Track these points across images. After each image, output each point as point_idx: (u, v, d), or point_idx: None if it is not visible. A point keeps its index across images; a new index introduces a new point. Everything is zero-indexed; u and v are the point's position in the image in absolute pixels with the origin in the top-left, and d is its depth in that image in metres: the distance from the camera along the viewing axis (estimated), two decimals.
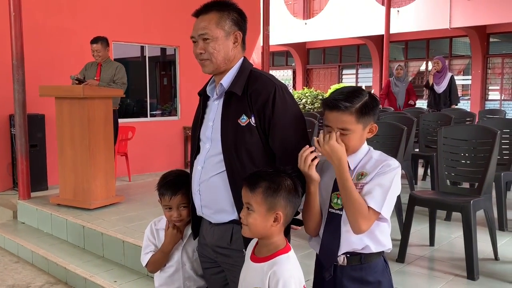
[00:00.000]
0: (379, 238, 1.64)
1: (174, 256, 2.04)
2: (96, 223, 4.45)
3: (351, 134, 1.62)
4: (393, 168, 1.59)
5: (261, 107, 1.71)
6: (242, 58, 1.86)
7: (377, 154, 1.68)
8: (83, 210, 4.86)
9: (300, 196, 1.59)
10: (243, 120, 1.73)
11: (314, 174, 1.62)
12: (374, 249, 1.65)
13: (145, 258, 2.05)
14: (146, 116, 7.76)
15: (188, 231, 2.05)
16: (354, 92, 1.64)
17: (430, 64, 13.64)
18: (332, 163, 1.61)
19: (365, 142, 1.70)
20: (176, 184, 1.96)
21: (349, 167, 1.64)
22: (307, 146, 1.64)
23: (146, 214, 4.48)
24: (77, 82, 5.26)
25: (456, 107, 7.50)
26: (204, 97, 1.92)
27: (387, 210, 1.57)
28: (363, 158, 1.68)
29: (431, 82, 7.58)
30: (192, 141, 1.95)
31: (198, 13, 1.80)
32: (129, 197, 5.39)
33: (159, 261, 2.03)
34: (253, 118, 1.72)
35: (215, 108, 1.84)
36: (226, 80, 1.80)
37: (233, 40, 1.79)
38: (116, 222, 4.44)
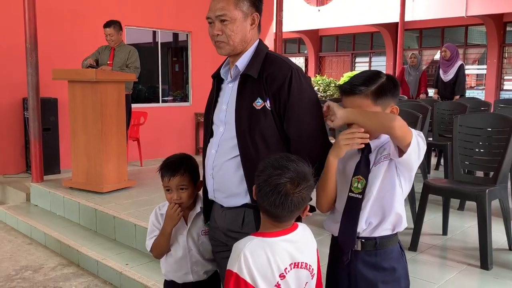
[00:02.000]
0: (397, 208, 1.62)
1: (179, 241, 2.03)
2: (108, 206, 4.46)
3: None
4: (418, 132, 1.61)
5: (277, 90, 1.70)
6: (258, 40, 1.84)
7: None
8: (95, 193, 4.88)
9: (313, 185, 1.56)
10: (258, 103, 1.71)
11: (342, 154, 1.63)
12: (390, 223, 1.63)
13: (149, 243, 2.05)
14: (158, 102, 7.77)
15: (193, 215, 2.04)
16: (370, 76, 1.65)
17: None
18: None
19: None
20: (175, 165, 1.97)
21: (370, 150, 1.65)
22: (360, 128, 1.61)
23: (158, 199, 4.35)
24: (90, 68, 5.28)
25: (459, 98, 7.29)
26: (218, 80, 1.90)
27: (415, 147, 1.54)
28: (385, 143, 1.67)
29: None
30: (205, 124, 1.93)
31: None
32: (141, 182, 5.39)
33: (160, 245, 2.02)
34: (268, 101, 1.71)
35: (229, 91, 1.83)
36: (242, 62, 1.78)
37: (251, 22, 1.77)
38: (128, 206, 4.45)
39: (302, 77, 1.74)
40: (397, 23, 11.74)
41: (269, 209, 1.48)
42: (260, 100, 1.71)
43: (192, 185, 2.00)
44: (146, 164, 6.76)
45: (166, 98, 8.00)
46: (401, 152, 1.57)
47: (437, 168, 6.17)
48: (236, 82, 1.80)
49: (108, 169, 4.93)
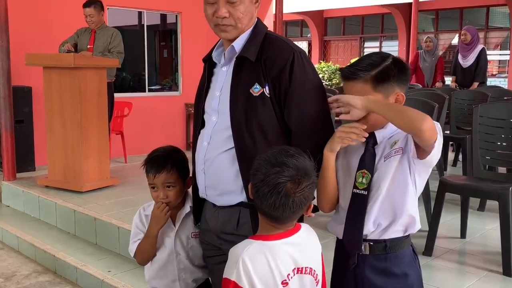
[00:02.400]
0: (409, 208, 1.61)
1: (166, 244, 2.01)
2: (89, 207, 4.46)
3: None
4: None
5: (277, 75, 1.69)
6: (257, 19, 1.84)
7: None
8: (74, 192, 4.88)
9: (315, 181, 1.55)
10: (256, 89, 1.71)
11: (337, 148, 1.65)
12: (401, 225, 1.62)
13: (133, 248, 2.03)
14: (144, 91, 7.74)
15: (181, 215, 2.03)
16: (374, 59, 1.65)
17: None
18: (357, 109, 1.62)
19: None
20: (161, 160, 1.96)
21: (375, 142, 1.65)
22: (363, 125, 1.61)
23: (143, 198, 4.25)
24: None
25: (477, 86, 7.30)
26: (210, 64, 1.89)
27: (438, 147, 1.55)
28: (394, 134, 1.66)
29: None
30: (196, 113, 1.92)
31: None
32: (125, 180, 5.39)
33: (145, 249, 2.00)
34: (267, 87, 1.71)
35: (223, 76, 1.82)
36: (238, 43, 1.77)
37: (255, 0, 1.78)
38: (110, 206, 4.45)
39: (305, 60, 1.74)
40: (411, 3, 11.80)
41: (269, 211, 1.48)
42: (258, 86, 1.71)
43: (181, 182, 1.99)
44: (131, 160, 6.75)
45: (153, 87, 7.97)
46: (420, 150, 1.56)
47: (454, 164, 6.18)
48: (231, 66, 1.79)
49: (88, 165, 4.92)
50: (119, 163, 6.61)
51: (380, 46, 17.18)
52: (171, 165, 1.95)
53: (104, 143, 5.08)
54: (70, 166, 4.92)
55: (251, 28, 1.80)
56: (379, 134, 1.66)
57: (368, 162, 1.65)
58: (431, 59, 8.04)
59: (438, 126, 1.56)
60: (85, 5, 5.57)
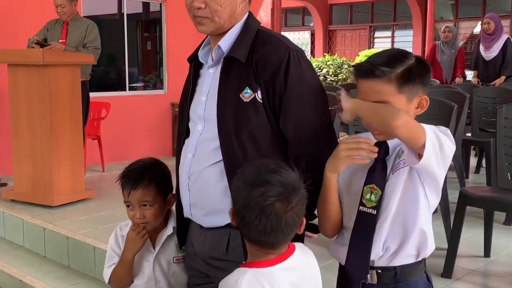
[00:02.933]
0: (422, 226, 1.61)
1: (144, 270, 2.01)
2: (60, 224, 4.42)
3: None
4: (443, 129, 1.62)
5: (271, 77, 1.71)
6: (247, 14, 1.85)
7: None
8: (43, 207, 4.85)
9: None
10: (247, 94, 1.73)
11: (341, 168, 1.64)
12: (413, 247, 1.62)
13: (107, 272, 2.03)
14: (125, 90, 7.69)
15: (162, 237, 2.03)
16: (396, 55, 1.65)
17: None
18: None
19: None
20: (138, 175, 1.97)
21: (387, 152, 1.66)
22: (368, 139, 1.62)
23: (123, 214, 4.17)
24: (38, 47, 5.22)
25: (504, 82, 7.33)
26: (195, 64, 1.91)
27: (432, 149, 1.54)
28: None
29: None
30: (180, 121, 1.94)
31: None
32: (102, 192, 5.35)
33: (120, 276, 1.99)
34: (259, 92, 1.72)
35: (209, 78, 1.83)
36: (226, 42, 1.79)
37: None
38: (85, 223, 4.43)
39: (302, 60, 1.75)
40: None
41: (259, 238, 1.47)
42: (249, 91, 1.73)
43: (160, 200, 1.99)
44: (110, 169, 6.66)
45: (134, 85, 7.92)
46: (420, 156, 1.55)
47: (477, 171, 6.19)
48: (219, 67, 1.80)
49: (60, 176, 4.89)
50: (95, 172, 6.60)
51: (393, 37, 17.24)
52: (148, 180, 1.95)
53: (78, 150, 5.05)
54: (39, 176, 4.88)
55: (241, 24, 1.81)
56: (392, 143, 1.66)
57: (378, 176, 1.64)
58: (450, 51, 8.04)
59: (445, 131, 1.59)
60: None
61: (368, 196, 1.64)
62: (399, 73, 1.61)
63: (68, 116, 4.90)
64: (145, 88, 8.08)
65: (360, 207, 1.65)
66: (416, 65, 1.64)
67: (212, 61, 1.83)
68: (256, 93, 1.72)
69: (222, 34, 1.80)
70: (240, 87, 1.73)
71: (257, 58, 1.73)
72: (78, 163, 5.03)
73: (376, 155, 1.60)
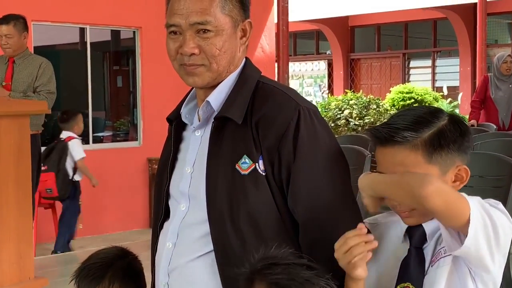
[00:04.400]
0: None
1: None
2: None
3: None
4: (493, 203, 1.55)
5: (275, 143, 1.67)
6: (244, 60, 1.83)
7: None
8: None
9: None
10: (245, 165, 1.68)
11: (360, 273, 1.55)
12: None
13: None
14: (88, 142, 7.46)
15: None
16: (423, 115, 1.61)
17: None
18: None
19: None
20: (95, 274, 1.90)
21: (424, 239, 1.62)
22: (355, 230, 1.56)
23: None
24: None
25: None
26: (177, 125, 1.86)
27: (479, 228, 1.46)
28: None
29: None
30: (157, 198, 1.91)
31: None
32: (57, 280, 4.90)
33: None
34: (261, 161, 1.68)
35: (195, 144, 1.80)
36: (217, 97, 1.76)
37: (241, 34, 1.77)
38: None
39: (316, 120, 1.72)
40: (475, 3, 11.47)
41: None
42: (247, 160, 1.68)
43: None
44: None
45: (100, 134, 7.91)
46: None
47: None
48: (208, 130, 1.77)
49: (1, 261, 4.54)
50: (48, 251, 6.40)
51: (433, 66, 16.78)
52: (110, 279, 1.91)
53: (25, 225, 4.68)
54: None
55: (236, 74, 1.79)
56: (429, 227, 1.62)
57: (414, 270, 1.60)
58: (507, 87, 7.52)
59: (496, 204, 1.53)
60: (0, 21, 5.46)
61: None
62: (426, 138, 1.58)
63: (13, 182, 4.58)
64: (114, 138, 8.04)
65: None
66: (449, 127, 1.60)
67: (199, 121, 1.81)
68: (256, 163, 1.68)
69: (211, 87, 1.78)
70: (236, 156, 1.70)
71: (258, 119, 1.70)
72: (26, 242, 4.63)
73: (375, 245, 1.55)
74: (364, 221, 1.66)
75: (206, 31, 1.67)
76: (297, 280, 1.44)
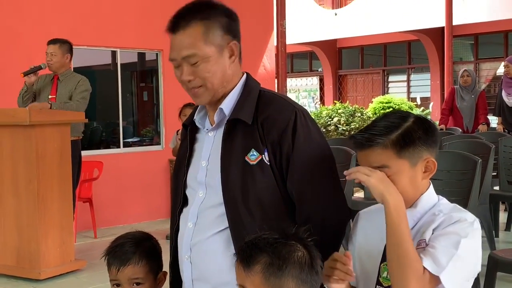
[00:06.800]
0: None
1: None
2: None
3: (394, 175, 1.65)
4: (467, 221, 1.60)
5: (278, 138, 1.80)
6: (245, 74, 1.95)
7: (449, 207, 1.69)
8: (29, 281, 4.80)
9: (319, 272, 1.57)
10: (253, 156, 1.80)
11: (333, 287, 1.64)
12: None
13: None
14: (119, 146, 7.74)
15: None
16: (393, 120, 1.70)
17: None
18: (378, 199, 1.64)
19: (430, 190, 1.72)
20: (127, 251, 1.96)
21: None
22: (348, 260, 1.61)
23: None
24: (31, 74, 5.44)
25: None
26: (191, 129, 1.99)
27: (450, 277, 1.53)
28: (427, 212, 1.68)
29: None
30: (175, 189, 2.00)
31: (174, 27, 1.85)
32: (94, 262, 5.24)
33: None
34: (266, 153, 1.80)
35: (209, 142, 1.91)
36: (228, 105, 1.87)
37: (229, 54, 1.87)
38: None
39: (309, 120, 1.85)
40: (443, 27, 11.85)
41: None
42: (255, 153, 1.80)
43: (151, 278, 1.97)
44: (102, 233, 6.65)
45: (129, 140, 7.99)
46: None
47: (508, 227, 6.11)
48: (220, 131, 1.88)
49: (47, 246, 4.86)
50: (87, 238, 6.54)
51: (408, 80, 17.41)
52: (139, 256, 1.95)
53: (67, 216, 5.03)
54: (25, 247, 4.85)
55: (240, 86, 1.90)
56: (410, 214, 1.65)
57: None
58: (470, 97, 8.02)
59: (474, 223, 1.60)
60: (49, 42, 5.71)
61: (385, 275, 1.64)
62: (394, 138, 1.65)
63: (56, 180, 4.91)
64: (141, 143, 8.17)
65: (377, 286, 1.65)
66: (415, 127, 1.68)
67: (212, 125, 1.91)
68: (263, 155, 1.80)
69: (221, 98, 1.88)
70: (245, 150, 1.81)
71: (263, 119, 1.82)
72: (67, 231, 5.02)
73: (353, 279, 1.60)
74: (361, 212, 1.82)
75: (195, 62, 1.80)
76: (269, 242, 1.52)
